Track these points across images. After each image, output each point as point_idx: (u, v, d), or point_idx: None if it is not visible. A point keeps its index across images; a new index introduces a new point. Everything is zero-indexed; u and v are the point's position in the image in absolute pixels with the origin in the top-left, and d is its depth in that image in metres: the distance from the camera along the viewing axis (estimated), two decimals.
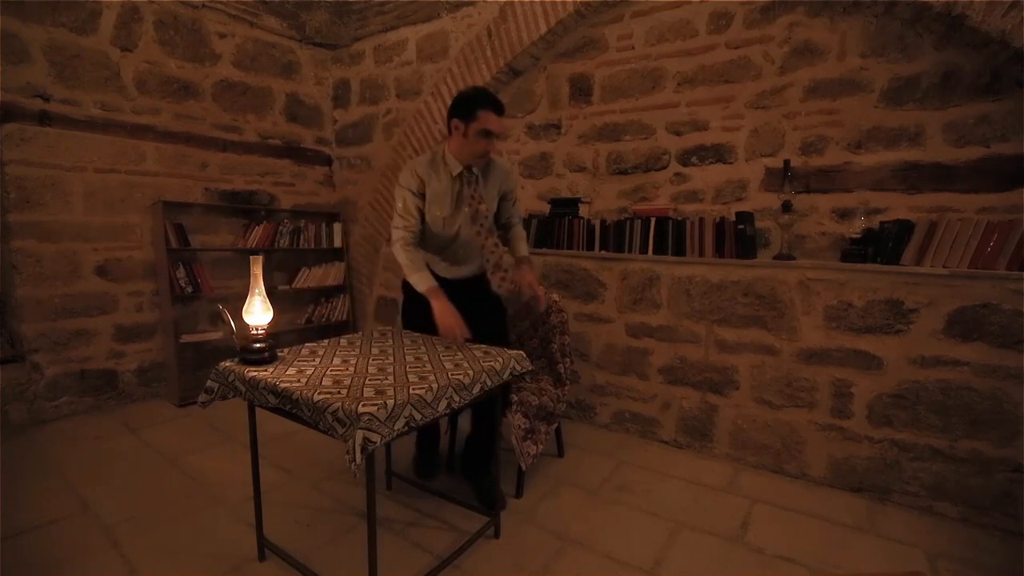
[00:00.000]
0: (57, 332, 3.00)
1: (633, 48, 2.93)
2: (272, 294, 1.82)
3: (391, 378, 1.52)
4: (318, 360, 1.70)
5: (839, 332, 2.29)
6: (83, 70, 3.00)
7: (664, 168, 2.91)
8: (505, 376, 1.75)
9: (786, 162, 2.45)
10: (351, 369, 1.61)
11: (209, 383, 1.64)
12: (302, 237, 3.97)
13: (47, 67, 2.87)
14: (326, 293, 4.23)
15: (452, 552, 1.79)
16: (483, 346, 1.91)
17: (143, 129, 3.26)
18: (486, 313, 2.17)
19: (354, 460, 1.21)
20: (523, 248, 2.34)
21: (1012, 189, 2.09)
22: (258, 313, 1.64)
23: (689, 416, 2.71)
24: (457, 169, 2.05)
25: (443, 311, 1.93)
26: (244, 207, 3.77)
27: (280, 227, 3.83)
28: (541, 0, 3.01)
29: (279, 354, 1.72)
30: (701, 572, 1.77)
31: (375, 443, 1.26)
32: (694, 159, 2.82)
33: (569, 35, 3.12)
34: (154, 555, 1.81)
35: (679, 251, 2.68)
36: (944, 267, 2.06)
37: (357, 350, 1.85)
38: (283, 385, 1.44)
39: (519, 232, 2.36)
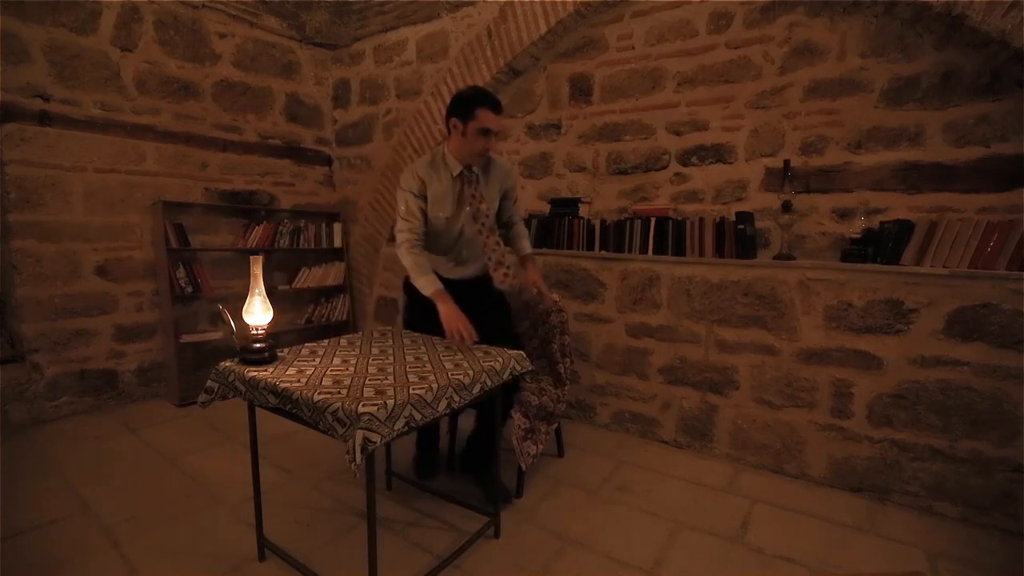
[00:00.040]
0: (57, 332, 3.00)
1: (633, 48, 2.93)
2: (272, 294, 1.82)
3: (391, 378, 1.52)
4: (318, 360, 1.70)
5: (839, 332, 2.29)
6: (83, 70, 3.00)
7: (664, 168, 2.91)
8: (505, 376, 1.75)
9: (786, 162, 2.45)
10: (351, 369, 1.61)
11: (209, 383, 1.64)
12: (302, 237, 3.97)
13: (47, 67, 2.87)
14: (326, 293, 4.23)
15: (452, 552, 1.79)
16: (484, 346, 1.90)
17: (143, 129, 3.26)
18: (491, 312, 2.18)
19: (354, 460, 1.21)
20: (526, 246, 2.35)
21: (1012, 189, 2.09)
22: (258, 313, 1.64)
23: (689, 416, 2.71)
24: (457, 169, 2.05)
25: (449, 314, 1.91)
26: (244, 207, 3.77)
27: (280, 227, 3.83)
28: (541, 0, 3.01)
29: (279, 354, 1.72)
30: (701, 572, 1.77)
31: (375, 443, 1.26)
32: (694, 159, 2.82)
33: (569, 35, 3.12)
34: (154, 555, 1.81)
35: (679, 251, 2.68)
36: (944, 267, 2.06)
37: (357, 350, 1.85)
38: (283, 385, 1.44)
39: (521, 230, 2.37)
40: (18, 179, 2.82)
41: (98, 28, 3.04)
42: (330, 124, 4.36)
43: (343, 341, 1.99)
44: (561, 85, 3.22)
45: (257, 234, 3.70)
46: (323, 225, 4.14)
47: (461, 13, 3.45)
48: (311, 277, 4.05)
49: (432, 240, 2.13)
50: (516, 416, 2.17)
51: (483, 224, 2.11)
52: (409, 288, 2.14)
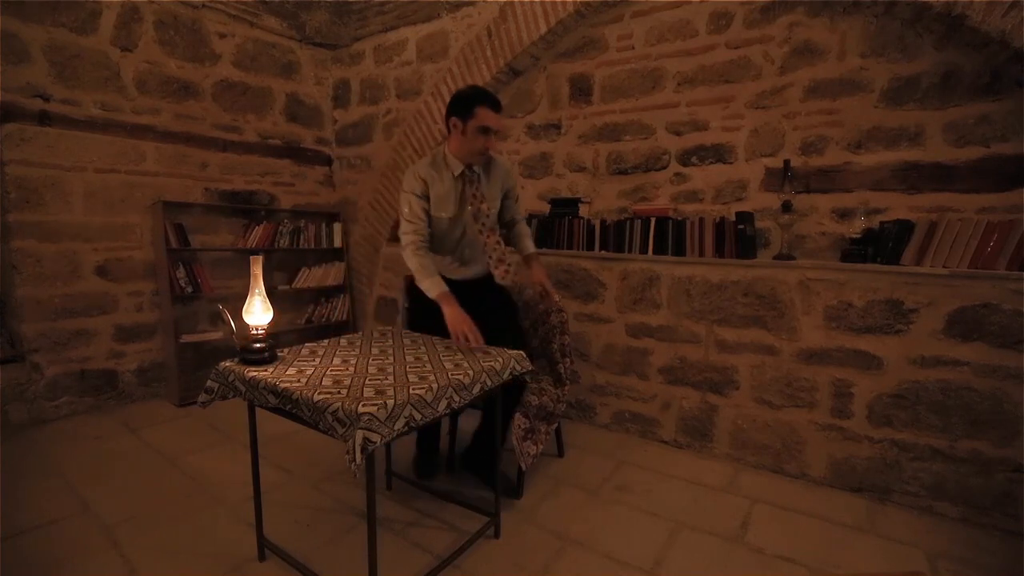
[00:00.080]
0: (57, 332, 3.00)
1: (633, 48, 2.93)
2: (272, 294, 1.82)
3: (391, 378, 1.52)
4: (318, 360, 1.70)
5: (839, 332, 2.29)
6: (83, 70, 3.00)
7: (664, 168, 2.92)
8: (505, 376, 1.75)
9: (786, 162, 2.45)
10: (351, 369, 1.61)
11: (209, 383, 1.64)
12: (302, 237, 3.97)
13: (47, 67, 2.87)
14: (326, 293, 4.23)
15: (452, 552, 1.79)
16: (485, 347, 1.90)
17: (143, 129, 3.26)
18: (496, 311, 2.18)
19: (354, 460, 1.21)
20: (530, 245, 2.36)
21: (1012, 189, 2.09)
22: (258, 313, 1.64)
23: (689, 416, 2.71)
24: (459, 169, 2.05)
25: (455, 317, 1.90)
26: (244, 207, 3.77)
27: (280, 227, 3.83)
28: (541, 0, 3.01)
29: (279, 354, 1.72)
30: (701, 572, 1.77)
31: (375, 443, 1.26)
32: (694, 159, 2.82)
33: (569, 35, 3.13)
34: (154, 555, 1.81)
35: (679, 251, 2.68)
36: (944, 267, 2.06)
37: (357, 350, 1.85)
38: (283, 385, 1.44)
39: (524, 229, 2.37)
40: (18, 179, 2.82)
41: (98, 28, 3.04)
42: (330, 124, 4.36)
43: (343, 341, 1.99)
44: (561, 85, 3.22)
45: (257, 234, 3.70)
46: (323, 225, 4.14)
47: (461, 13, 3.45)
48: (311, 277, 4.05)
49: (435, 241, 2.13)
50: (516, 416, 2.17)
51: (483, 224, 2.11)
52: (413, 290, 2.13)
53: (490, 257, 2.14)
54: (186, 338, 3.36)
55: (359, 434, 1.22)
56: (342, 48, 4.18)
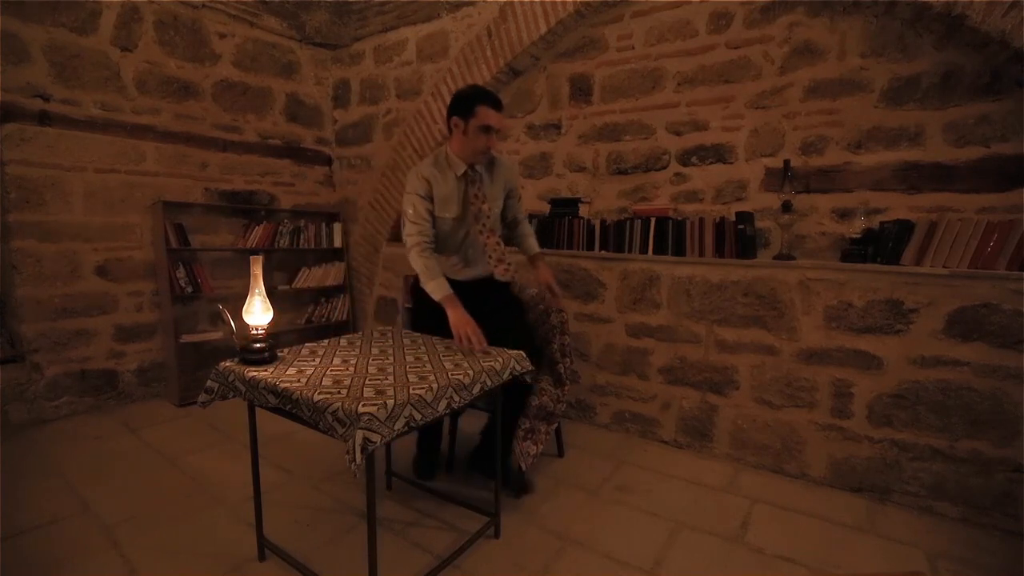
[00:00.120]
0: (57, 332, 3.00)
1: (633, 48, 2.93)
2: (272, 294, 1.82)
3: (391, 378, 1.52)
4: (318, 360, 1.70)
5: (839, 332, 2.29)
6: (83, 70, 3.00)
7: (664, 168, 2.92)
8: (505, 376, 1.75)
9: (786, 162, 2.45)
10: (351, 369, 1.61)
11: (209, 383, 1.64)
12: (302, 237, 3.97)
13: (47, 67, 2.87)
14: (326, 293, 4.23)
15: (452, 552, 1.79)
16: (488, 347, 1.90)
17: (143, 129, 3.26)
18: (501, 310, 2.18)
19: (354, 460, 1.20)
20: (534, 245, 2.37)
21: (1012, 189, 2.09)
22: (258, 313, 1.64)
23: (689, 416, 2.71)
24: (461, 169, 2.05)
25: (459, 320, 1.90)
26: (244, 207, 3.77)
27: (280, 227, 3.83)
28: (541, 0, 3.01)
29: (279, 354, 1.72)
30: (701, 572, 1.77)
31: (375, 443, 1.26)
32: (694, 159, 2.82)
33: (569, 35, 3.13)
34: (154, 555, 1.81)
35: (679, 251, 2.68)
36: (944, 267, 2.06)
37: (357, 350, 1.85)
38: (283, 385, 1.44)
39: (527, 229, 2.38)
40: (18, 179, 2.82)
41: (98, 28, 3.04)
42: (330, 124, 4.36)
43: (343, 341, 1.99)
44: (561, 85, 3.22)
45: (257, 234, 3.70)
46: (323, 225, 4.14)
47: (461, 13, 3.45)
48: (311, 277, 4.05)
49: (439, 242, 2.12)
50: (521, 419, 2.17)
51: (484, 224, 2.11)
52: (417, 291, 2.13)
53: (490, 257, 2.14)
54: (186, 338, 3.36)
55: (359, 434, 1.22)
56: (342, 48, 4.18)
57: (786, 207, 2.41)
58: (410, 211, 2.04)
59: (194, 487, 2.28)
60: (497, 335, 1.96)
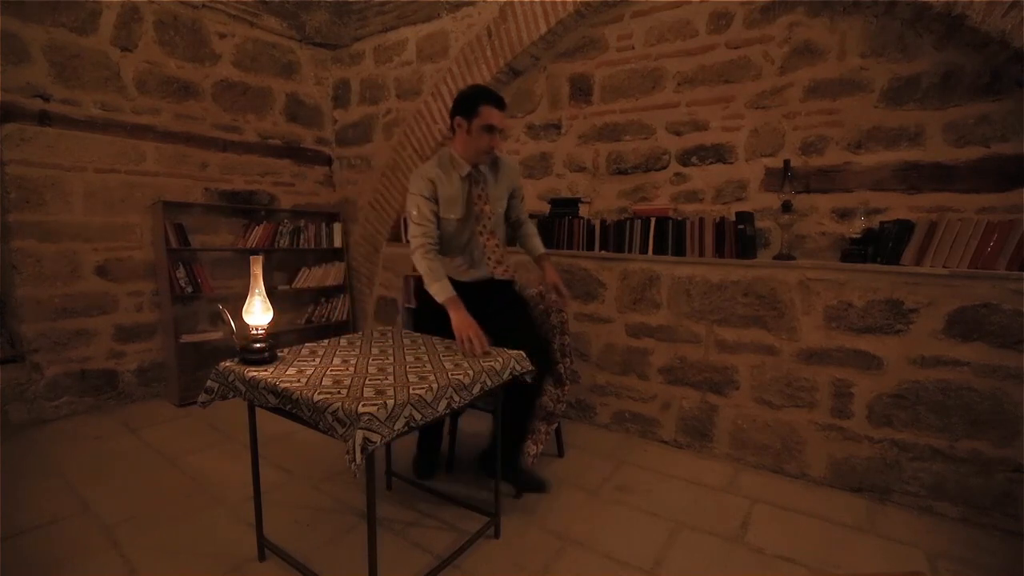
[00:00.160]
0: (57, 332, 3.00)
1: (633, 48, 2.93)
2: (272, 294, 1.82)
3: (391, 378, 1.52)
4: (318, 360, 1.70)
5: (839, 332, 2.29)
6: (83, 70, 3.00)
7: (664, 168, 2.92)
8: (505, 376, 1.75)
9: (786, 162, 2.45)
10: (351, 369, 1.61)
11: (209, 383, 1.64)
12: (302, 237, 3.97)
13: (47, 67, 2.87)
14: (326, 293, 4.23)
15: (452, 552, 1.79)
16: (490, 348, 1.90)
17: (143, 129, 3.26)
18: (504, 310, 2.18)
19: (354, 460, 1.20)
20: (540, 245, 2.37)
21: (1012, 189, 2.09)
22: (258, 313, 1.64)
23: (689, 416, 2.71)
24: (465, 170, 2.05)
25: (461, 322, 1.88)
26: (244, 207, 3.77)
27: (280, 227, 3.82)
28: (541, 0, 3.01)
29: (279, 354, 1.72)
30: (701, 572, 1.77)
31: (375, 443, 1.26)
32: (694, 159, 2.82)
33: (569, 35, 3.13)
34: (154, 555, 1.81)
35: (679, 251, 2.68)
36: (944, 267, 2.06)
37: (357, 350, 1.85)
38: (283, 385, 1.44)
39: (531, 229, 2.38)
40: (18, 179, 2.82)
41: (98, 28, 3.04)
42: (330, 124, 4.36)
43: (343, 341, 1.99)
44: (561, 85, 3.22)
45: (257, 234, 3.70)
46: (323, 225, 4.14)
47: (461, 13, 3.45)
48: (311, 277, 4.05)
49: (444, 243, 2.11)
50: None
51: (484, 226, 2.11)
52: (421, 292, 2.12)
53: (489, 259, 2.14)
54: (186, 338, 3.36)
55: (359, 434, 1.22)
56: (342, 48, 4.18)
57: (786, 207, 2.41)
58: (414, 212, 2.03)
59: (194, 487, 2.28)
60: (504, 334, 1.96)
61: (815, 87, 2.45)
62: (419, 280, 2.09)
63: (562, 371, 2.42)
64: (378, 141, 4.08)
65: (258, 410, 1.62)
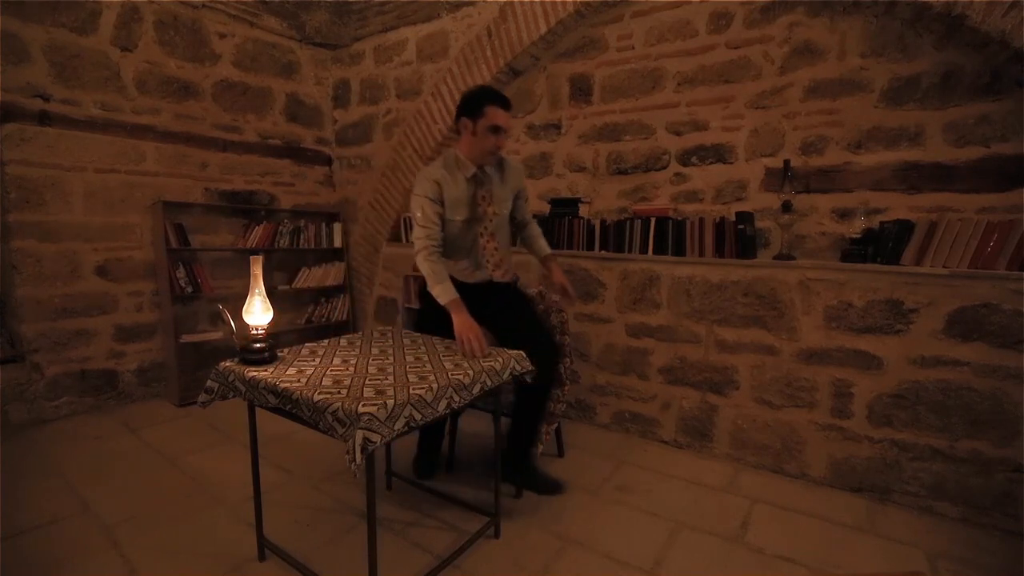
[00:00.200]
0: (57, 332, 3.00)
1: (633, 48, 2.93)
2: (272, 294, 1.82)
3: (391, 378, 1.52)
4: (318, 360, 1.70)
5: (839, 332, 2.29)
6: (83, 70, 3.00)
7: (664, 168, 2.92)
8: (505, 376, 1.75)
9: (786, 162, 2.45)
10: (351, 369, 1.61)
11: (209, 383, 1.64)
12: (302, 237, 3.97)
13: (47, 67, 2.87)
14: (326, 293, 4.23)
15: (452, 552, 1.79)
16: (491, 348, 1.90)
17: (143, 129, 3.26)
18: (512, 307, 2.18)
19: (354, 460, 1.21)
20: (545, 246, 2.38)
21: (1012, 189, 2.09)
22: (258, 313, 1.64)
23: (689, 416, 2.71)
24: (471, 171, 2.05)
25: (463, 325, 1.87)
26: (244, 207, 3.77)
27: (280, 227, 3.83)
28: (541, 0, 3.01)
29: (279, 354, 1.72)
30: (701, 572, 1.77)
31: (375, 443, 1.26)
32: (694, 159, 2.82)
33: (569, 35, 3.13)
34: (154, 555, 1.81)
35: (679, 251, 2.68)
36: (944, 267, 2.06)
37: (357, 350, 1.85)
38: (283, 385, 1.44)
39: (536, 230, 2.39)
40: (18, 179, 2.82)
41: (98, 28, 3.04)
42: (330, 124, 4.36)
43: (343, 341, 1.99)
44: (561, 85, 3.22)
45: (257, 234, 3.70)
46: (323, 225, 4.14)
47: (461, 13, 3.45)
48: (311, 277, 4.05)
49: (450, 245, 2.10)
50: None
51: (485, 227, 2.11)
52: (425, 295, 2.12)
53: (487, 262, 2.13)
54: (186, 338, 3.36)
55: (359, 434, 1.22)
56: (342, 48, 4.18)
57: (786, 207, 2.41)
58: (419, 214, 2.02)
59: (194, 487, 2.28)
60: (512, 333, 1.96)
61: (815, 87, 2.45)
62: (421, 281, 2.08)
63: (562, 371, 2.42)
64: (378, 141, 4.08)
65: (258, 410, 1.62)
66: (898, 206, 2.32)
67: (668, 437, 2.78)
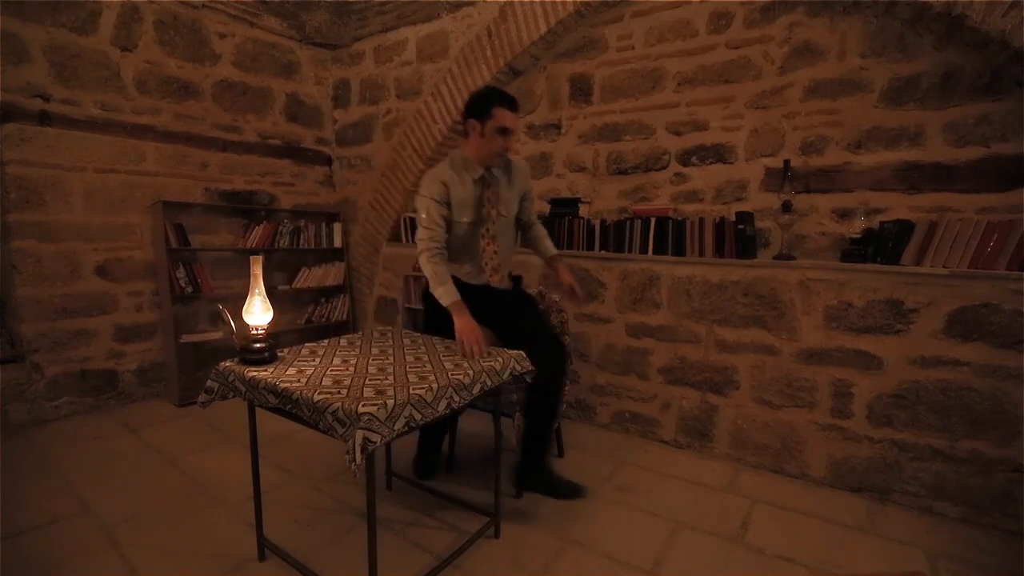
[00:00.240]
0: (57, 332, 3.00)
1: (633, 48, 2.93)
2: (272, 294, 1.82)
3: (391, 378, 1.52)
4: (318, 360, 1.70)
5: (839, 332, 2.29)
6: (83, 70, 3.00)
7: (664, 168, 2.92)
8: (505, 376, 1.75)
9: (786, 162, 2.45)
10: (351, 369, 1.61)
11: (209, 383, 1.64)
12: (302, 237, 3.97)
13: (47, 67, 2.87)
14: (326, 293, 4.23)
15: (452, 552, 1.79)
16: (492, 348, 1.90)
17: (143, 129, 3.26)
18: (516, 308, 2.17)
19: (354, 460, 1.21)
20: (551, 246, 2.37)
21: (1012, 189, 2.09)
22: (258, 313, 1.64)
23: (689, 416, 2.71)
24: (478, 172, 2.04)
25: (464, 327, 1.87)
26: (244, 207, 3.77)
27: (280, 227, 3.83)
28: (541, 0, 3.01)
29: (279, 354, 1.72)
30: (701, 572, 1.77)
31: (375, 443, 1.26)
32: (694, 159, 2.82)
33: (569, 35, 3.13)
34: (154, 555, 1.81)
35: (679, 251, 2.68)
36: (944, 267, 2.06)
37: (357, 350, 1.85)
38: (283, 385, 1.44)
39: (542, 231, 2.38)
40: (18, 179, 2.82)
41: (98, 28, 3.04)
42: (330, 124, 4.36)
43: (343, 341, 1.99)
44: (561, 85, 3.22)
45: (257, 234, 3.70)
46: (323, 225, 4.14)
47: (461, 13, 3.45)
48: (311, 277, 4.05)
49: (456, 247, 2.09)
50: (517, 416, 2.17)
51: (487, 229, 2.10)
52: (428, 296, 2.12)
53: (485, 264, 2.12)
54: (186, 338, 3.36)
55: (359, 434, 1.22)
56: (342, 48, 4.18)
57: (786, 207, 2.41)
58: (423, 215, 2.02)
59: (194, 487, 2.28)
60: (515, 335, 1.97)
61: (815, 87, 2.45)
62: (424, 282, 2.08)
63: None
64: (378, 141, 4.08)
65: (258, 410, 1.62)
66: (898, 206, 2.32)
67: (668, 437, 2.78)
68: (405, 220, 3.86)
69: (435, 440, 2.38)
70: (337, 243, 4.19)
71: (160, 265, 3.27)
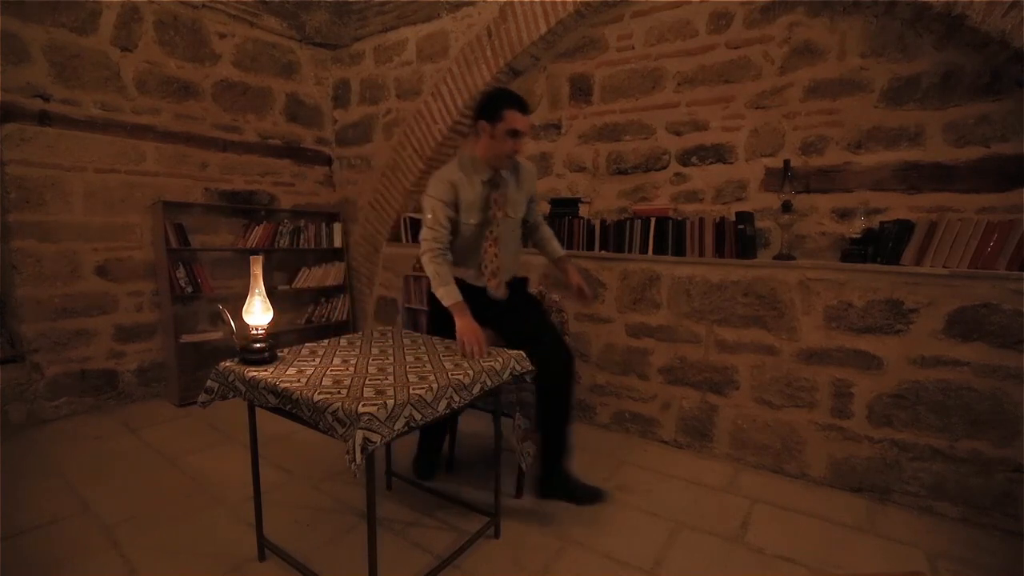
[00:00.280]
0: (57, 332, 3.00)
1: (633, 48, 2.93)
2: (272, 294, 1.82)
3: (391, 378, 1.52)
4: (318, 360, 1.70)
5: (839, 332, 2.29)
6: (83, 70, 3.00)
7: (664, 168, 2.92)
8: (505, 376, 1.75)
9: (786, 162, 2.45)
10: (351, 369, 1.61)
11: (209, 383, 1.64)
12: (302, 237, 3.97)
13: (47, 67, 2.87)
14: (326, 293, 4.23)
15: (452, 552, 1.79)
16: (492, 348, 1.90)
17: (143, 129, 3.26)
18: (520, 309, 2.17)
19: (354, 460, 1.21)
20: (559, 247, 2.37)
21: (1012, 189, 2.09)
22: (258, 313, 1.64)
23: (689, 416, 2.71)
24: (487, 174, 2.04)
25: (465, 328, 1.86)
26: (244, 207, 3.77)
27: (280, 227, 3.83)
28: (541, 0, 3.01)
29: (279, 354, 1.72)
30: (701, 572, 1.77)
31: (375, 443, 1.26)
32: (694, 159, 2.82)
33: (569, 35, 3.13)
34: (154, 555, 1.81)
35: (679, 251, 2.68)
36: (944, 267, 2.06)
37: (357, 350, 1.85)
38: (283, 385, 1.44)
39: (549, 232, 2.38)
40: (18, 179, 2.82)
41: (98, 28, 3.04)
42: (330, 124, 4.36)
43: (343, 341, 1.99)
44: (561, 85, 3.22)
45: (257, 234, 3.70)
46: (323, 225, 4.14)
47: (461, 13, 3.45)
48: (311, 277, 4.05)
49: (463, 249, 2.09)
50: (516, 416, 2.16)
51: (491, 231, 2.09)
52: (434, 297, 2.11)
53: (485, 267, 2.11)
54: (186, 338, 3.36)
55: (359, 434, 1.22)
56: (342, 48, 4.18)
57: (786, 207, 2.41)
58: (429, 216, 2.01)
59: (194, 487, 2.28)
60: (519, 336, 1.96)
61: (815, 87, 2.45)
62: (428, 282, 2.08)
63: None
64: (378, 141, 4.08)
65: (258, 410, 1.62)
66: (898, 206, 2.32)
67: (668, 437, 2.78)
68: (405, 220, 3.86)
69: (435, 440, 2.38)
70: (337, 243, 4.19)
71: (160, 265, 3.27)
